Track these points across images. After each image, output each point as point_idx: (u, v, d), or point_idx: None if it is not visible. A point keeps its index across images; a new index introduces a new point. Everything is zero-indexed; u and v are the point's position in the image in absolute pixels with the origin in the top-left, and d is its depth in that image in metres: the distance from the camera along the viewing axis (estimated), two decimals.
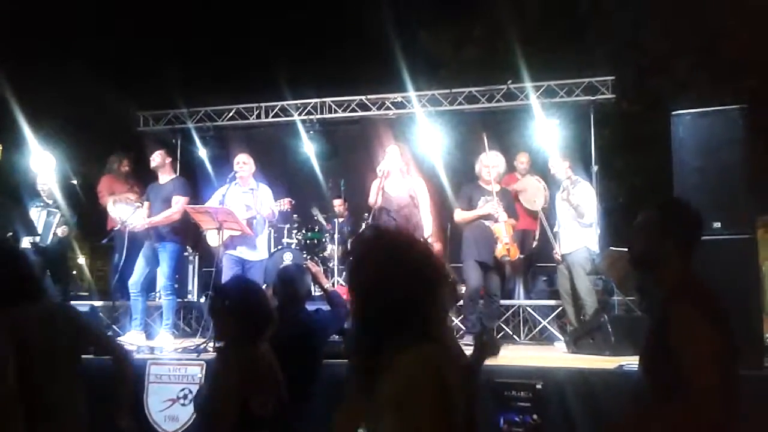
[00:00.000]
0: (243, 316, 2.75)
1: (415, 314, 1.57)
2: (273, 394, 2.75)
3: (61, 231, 6.70)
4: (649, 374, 2.18)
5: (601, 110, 8.54)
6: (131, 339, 5.96)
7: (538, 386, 4.13)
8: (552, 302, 6.90)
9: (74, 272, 7.68)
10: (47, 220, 6.66)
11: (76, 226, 6.85)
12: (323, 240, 8.12)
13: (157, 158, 6.37)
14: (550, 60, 10.93)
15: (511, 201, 6.38)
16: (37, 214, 6.69)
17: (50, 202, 6.79)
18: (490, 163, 6.17)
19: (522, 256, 7.29)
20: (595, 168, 7.91)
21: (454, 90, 8.81)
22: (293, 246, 7.90)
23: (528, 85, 8.45)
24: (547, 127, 8.09)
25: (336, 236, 7.83)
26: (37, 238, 6.57)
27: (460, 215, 6.23)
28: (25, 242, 6.62)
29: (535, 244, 7.20)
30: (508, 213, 6.13)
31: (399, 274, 1.58)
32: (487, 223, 6.07)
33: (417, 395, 1.48)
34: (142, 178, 7.13)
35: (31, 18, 12.62)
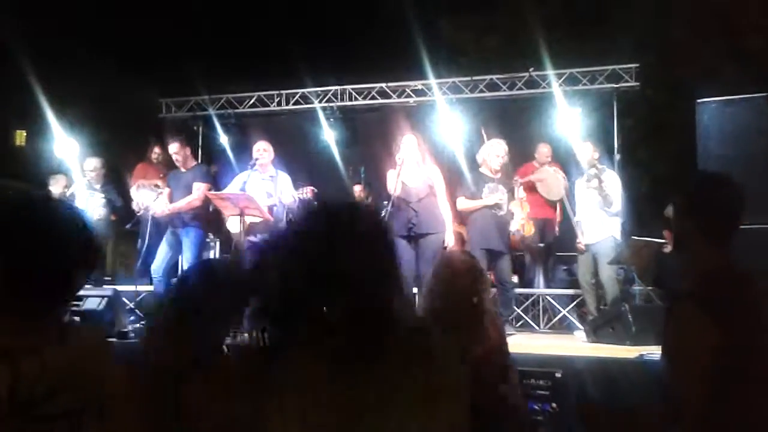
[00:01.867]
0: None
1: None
2: None
3: (98, 213, 6.79)
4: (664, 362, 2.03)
5: (624, 98, 8.45)
6: None
7: (558, 375, 4.11)
8: (572, 291, 6.87)
9: (107, 258, 7.79)
10: (86, 203, 6.76)
11: (118, 210, 6.96)
12: None
13: (174, 148, 6.42)
14: (573, 47, 10.83)
15: (512, 189, 6.36)
16: (78, 199, 6.80)
17: (96, 186, 6.90)
18: (500, 152, 6.13)
19: (542, 245, 7.28)
20: (617, 157, 7.84)
21: (475, 77, 8.76)
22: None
23: (550, 72, 8.37)
24: (569, 115, 8.01)
25: None
26: None
27: (464, 204, 6.16)
28: None
29: (556, 232, 7.17)
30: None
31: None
32: (493, 210, 6.03)
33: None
34: (172, 165, 7.21)
35: (53, 5, 12.73)
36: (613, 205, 6.03)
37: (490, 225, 5.99)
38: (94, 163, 7.02)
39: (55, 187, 7.13)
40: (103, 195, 6.82)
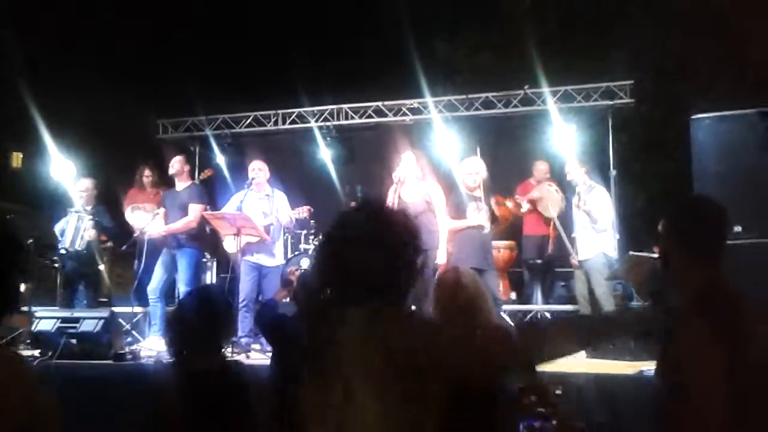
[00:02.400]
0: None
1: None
2: None
3: (89, 235, 6.76)
4: (661, 380, 2.08)
5: (619, 115, 8.49)
6: (150, 345, 6.01)
7: (558, 391, 4.09)
8: (570, 307, 6.86)
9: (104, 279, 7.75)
10: (77, 225, 6.73)
11: (105, 231, 6.92)
12: None
13: (176, 165, 6.44)
14: (568, 64, 10.89)
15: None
16: (70, 220, 6.76)
17: (87, 208, 6.85)
18: (471, 170, 6.14)
19: (540, 261, 7.28)
20: (613, 173, 7.86)
21: (470, 95, 8.81)
22: (310, 252, 7.91)
23: (545, 89, 8.41)
24: (564, 132, 8.05)
25: None
26: (67, 243, 6.65)
27: (449, 223, 6.09)
28: (60, 249, 6.71)
29: (550, 249, 7.18)
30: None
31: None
32: (476, 229, 6.01)
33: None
34: (165, 187, 7.22)
35: (49, 27, 12.79)
36: (598, 221, 6.07)
37: (474, 244, 5.98)
38: (85, 184, 6.98)
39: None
40: (91, 216, 6.78)
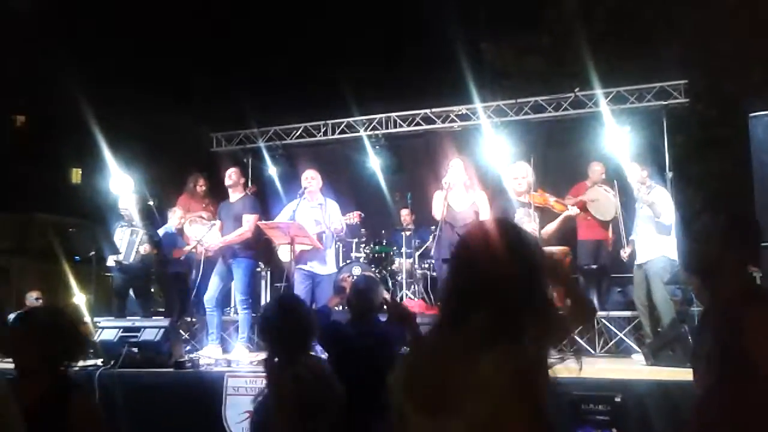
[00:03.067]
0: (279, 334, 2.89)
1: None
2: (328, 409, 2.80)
3: (144, 249, 6.99)
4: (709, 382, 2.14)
5: (674, 115, 8.29)
6: (208, 353, 6.13)
7: (617, 399, 4.01)
8: (628, 313, 6.69)
9: (152, 290, 7.97)
10: (130, 239, 6.98)
11: (156, 244, 7.13)
12: (391, 254, 8.15)
13: (233, 176, 6.57)
14: (619, 66, 10.72)
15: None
16: (121, 234, 7.02)
17: (133, 222, 7.10)
18: (517, 174, 6.03)
19: (595, 267, 7.14)
20: (669, 175, 7.67)
21: (519, 100, 8.73)
22: (361, 260, 7.96)
23: (597, 92, 8.29)
24: (618, 134, 7.89)
25: (404, 249, 7.85)
26: (121, 257, 6.90)
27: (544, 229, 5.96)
28: (110, 261, 6.96)
29: (606, 254, 7.03)
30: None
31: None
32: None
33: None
34: (216, 198, 7.38)
35: (108, 47, 13.25)
36: (662, 215, 5.89)
37: None
38: (135, 198, 7.23)
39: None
40: (144, 231, 7.00)
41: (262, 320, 3.09)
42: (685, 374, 4.57)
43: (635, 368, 5.32)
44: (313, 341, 3.05)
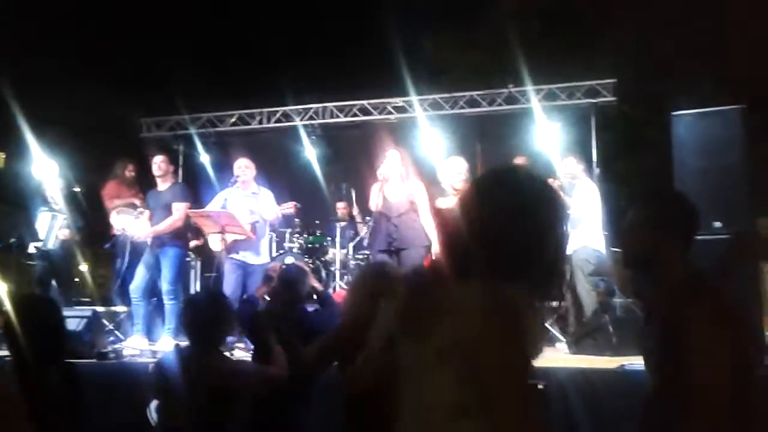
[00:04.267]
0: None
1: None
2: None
3: (63, 234, 6.72)
4: (659, 375, 2.09)
5: (602, 113, 8.56)
6: (134, 344, 5.97)
7: (540, 386, 4.12)
8: (553, 303, 6.86)
9: (77, 279, 7.68)
10: (51, 223, 6.69)
11: (79, 230, 6.87)
12: (325, 244, 8.13)
13: (162, 165, 6.39)
14: (552, 63, 10.96)
15: None
16: (43, 219, 6.74)
17: (56, 207, 6.81)
18: (461, 170, 6.11)
19: None
20: (596, 170, 7.92)
21: (455, 94, 8.85)
22: (295, 250, 7.91)
23: (529, 88, 8.47)
24: (548, 130, 8.10)
25: (338, 240, 7.84)
26: (40, 243, 6.62)
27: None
28: (31, 248, 6.68)
29: None
30: None
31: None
32: None
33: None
34: (144, 185, 7.17)
35: (33, 24, 12.69)
36: (574, 209, 6.07)
37: None
38: (58, 182, 6.95)
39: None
40: (65, 216, 6.73)
41: (186, 310, 3.21)
42: (605, 362, 4.75)
43: (558, 356, 5.48)
44: (227, 336, 3.29)
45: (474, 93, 8.74)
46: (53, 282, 6.88)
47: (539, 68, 9.88)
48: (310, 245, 8.11)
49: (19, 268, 6.80)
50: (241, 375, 3.15)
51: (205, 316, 3.03)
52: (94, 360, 5.15)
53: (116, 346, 5.90)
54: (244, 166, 6.33)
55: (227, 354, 3.82)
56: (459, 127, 8.71)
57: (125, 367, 5.15)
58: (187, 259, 7.59)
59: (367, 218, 6.45)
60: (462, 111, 8.72)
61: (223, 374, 2.98)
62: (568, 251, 6.14)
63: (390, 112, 9.02)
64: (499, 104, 8.62)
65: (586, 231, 6.12)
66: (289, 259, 7.36)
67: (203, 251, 7.59)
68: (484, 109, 8.67)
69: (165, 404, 3.11)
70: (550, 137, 7.94)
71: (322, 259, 8.00)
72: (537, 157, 7.66)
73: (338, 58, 13.52)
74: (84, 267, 6.90)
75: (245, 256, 6.18)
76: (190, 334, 3.09)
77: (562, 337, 6.20)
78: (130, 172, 7.56)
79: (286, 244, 8.01)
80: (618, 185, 11.57)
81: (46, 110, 11.63)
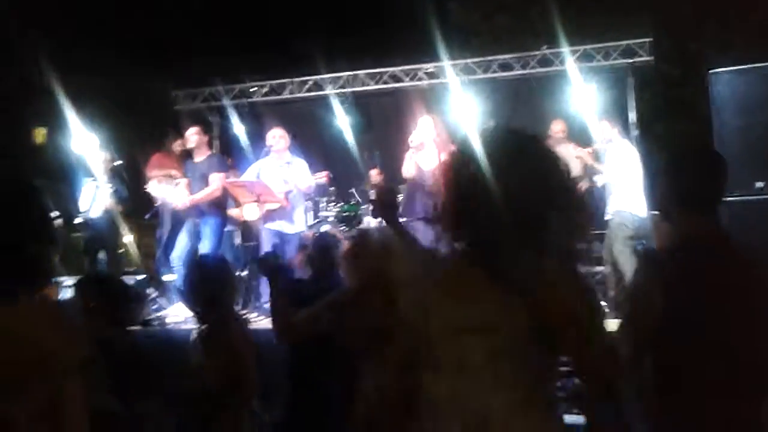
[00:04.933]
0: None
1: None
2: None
3: (107, 205, 6.87)
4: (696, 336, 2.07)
5: (639, 73, 8.36)
6: (176, 311, 6.14)
7: None
8: (599, 268, 6.79)
9: (122, 250, 7.88)
10: (94, 194, 6.83)
11: (122, 201, 7.01)
12: (359, 212, 8.17)
13: (194, 138, 6.48)
14: (586, 23, 10.71)
15: None
16: (87, 189, 6.89)
17: (103, 178, 6.96)
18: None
19: None
20: (635, 132, 7.78)
21: (487, 58, 8.72)
22: (330, 219, 7.97)
23: (564, 49, 8.30)
24: (584, 92, 7.95)
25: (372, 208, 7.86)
26: (84, 212, 6.78)
27: None
28: (78, 219, 6.86)
29: None
30: None
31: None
32: None
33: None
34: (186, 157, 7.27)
35: (68, 5, 12.84)
36: (606, 175, 6.02)
37: None
38: (102, 155, 7.08)
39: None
40: (110, 187, 6.87)
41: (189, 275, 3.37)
42: None
43: None
44: (230, 299, 3.31)
45: (507, 56, 8.61)
46: (100, 253, 7.05)
47: (573, 28, 9.67)
48: (345, 214, 8.15)
49: (65, 241, 7.00)
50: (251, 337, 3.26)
51: (209, 279, 3.13)
52: (138, 327, 5.32)
53: (160, 313, 6.07)
54: (278, 136, 6.38)
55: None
56: (492, 91, 8.60)
57: (169, 333, 5.31)
58: (227, 228, 7.71)
59: (401, 186, 6.46)
60: (495, 75, 8.61)
61: (237, 336, 3.09)
62: (608, 216, 6.08)
63: (421, 78, 8.95)
64: (533, 67, 8.48)
65: (624, 195, 6.03)
66: (325, 228, 7.43)
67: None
68: (518, 72, 8.53)
69: (197, 367, 3.22)
70: (585, 100, 7.78)
71: (357, 227, 8.04)
72: (572, 120, 7.54)
73: (368, 25, 13.40)
74: (128, 237, 7.04)
75: (281, 225, 6.26)
76: (196, 298, 3.20)
77: (603, 302, 6.17)
78: (179, 146, 7.69)
79: (321, 213, 8.08)
80: (658, 147, 11.35)
81: (83, 86, 11.82)
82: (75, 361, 1.51)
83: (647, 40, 8.04)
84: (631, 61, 8.02)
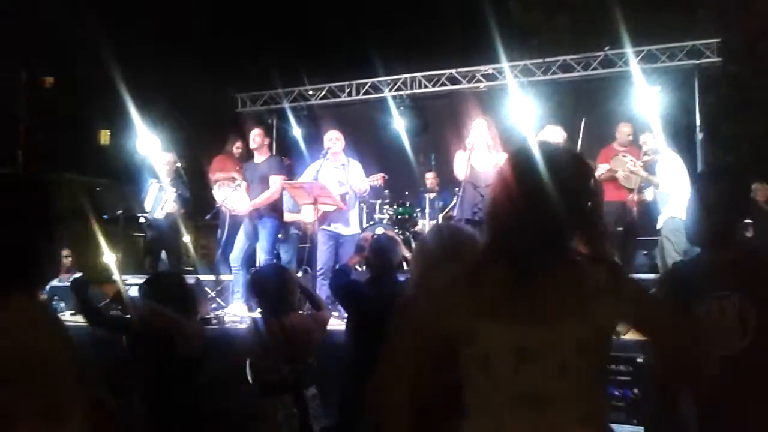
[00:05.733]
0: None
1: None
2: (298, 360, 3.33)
3: (170, 207, 7.02)
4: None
5: (706, 75, 8.09)
6: (235, 310, 6.24)
7: (639, 360, 4.01)
8: (653, 276, 6.64)
9: (182, 250, 8.06)
10: (158, 195, 6.99)
11: (184, 203, 7.15)
12: (414, 215, 8.14)
13: (257, 138, 6.58)
14: (650, 23, 10.42)
15: None
16: (152, 190, 7.06)
17: (167, 179, 7.11)
18: (557, 140, 5.95)
19: (620, 229, 7.06)
20: (700, 135, 7.52)
21: (547, 59, 8.58)
22: (385, 221, 7.97)
23: (627, 50, 8.10)
24: (648, 94, 7.72)
25: (427, 211, 7.83)
26: (147, 214, 6.96)
27: None
28: (141, 219, 7.04)
29: (634, 213, 6.95)
30: None
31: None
32: None
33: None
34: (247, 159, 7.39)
35: (133, 7, 13.24)
36: (659, 186, 6.02)
37: None
38: (166, 157, 7.23)
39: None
40: (174, 189, 7.02)
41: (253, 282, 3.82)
42: None
43: None
44: (294, 300, 3.57)
45: (567, 57, 8.44)
46: (162, 253, 7.21)
47: (636, 29, 9.42)
48: (399, 216, 8.14)
49: (127, 240, 7.19)
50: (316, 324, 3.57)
51: (270, 286, 3.43)
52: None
53: (218, 312, 6.17)
54: (334, 138, 6.41)
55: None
56: (552, 93, 8.45)
57: (227, 332, 5.39)
58: (291, 231, 7.79)
59: (456, 189, 6.40)
60: (555, 76, 8.46)
61: (300, 329, 3.35)
62: (660, 224, 5.96)
63: (479, 81, 8.87)
64: (595, 68, 8.29)
65: (675, 203, 5.92)
66: (379, 230, 7.42)
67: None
68: (579, 73, 8.37)
69: (255, 362, 3.42)
70: (650, 102, 7.56)
71: (412, 230, 8.02)
72: (636, 122, 7.33)
73: (425, 27, 13.38)
74: (187, 238, 7.19)
75: (336, 227, 6.28)
76: (260, 302, 3.53)
77: None
78: (238, 148, 7.82)
79: (376, 216, 8.08)
80: (723, 151, 10.96)
81: (147, 88, 12.17)
82: (70, 360, 1.53)
83: (715, 40, 7.76)
84: (697, 62, 7.75)
